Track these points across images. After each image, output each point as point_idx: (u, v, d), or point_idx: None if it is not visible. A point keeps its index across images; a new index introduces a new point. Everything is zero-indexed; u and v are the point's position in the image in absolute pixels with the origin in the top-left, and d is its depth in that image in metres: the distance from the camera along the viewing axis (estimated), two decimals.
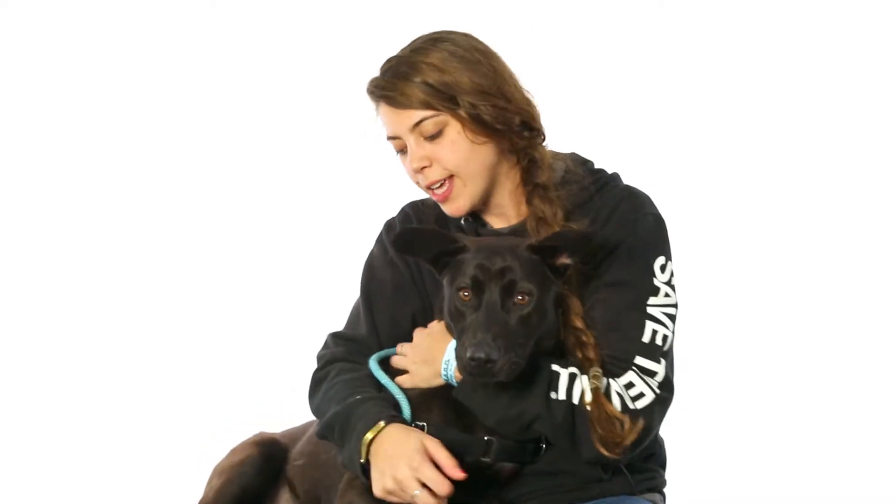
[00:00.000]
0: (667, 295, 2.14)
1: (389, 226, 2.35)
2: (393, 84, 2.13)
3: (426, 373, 2.15)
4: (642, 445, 2.09)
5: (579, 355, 2.08)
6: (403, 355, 2.21)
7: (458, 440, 2.08)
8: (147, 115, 4.36)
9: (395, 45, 2.21)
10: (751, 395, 3.97)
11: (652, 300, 2.13)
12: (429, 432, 2.08)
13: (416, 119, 2.12)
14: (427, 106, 2.11)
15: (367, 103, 2.22)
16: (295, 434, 2.48)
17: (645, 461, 2.24)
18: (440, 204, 2.22)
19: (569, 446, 2.08)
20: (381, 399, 2.13)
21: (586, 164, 2.27)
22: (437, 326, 2.17)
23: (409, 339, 2.22)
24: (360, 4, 4.29)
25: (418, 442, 2.01)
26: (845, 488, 3.71)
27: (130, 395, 4.12)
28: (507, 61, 2.20)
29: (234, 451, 2.46)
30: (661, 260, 2.16)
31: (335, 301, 2.62)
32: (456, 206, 2.20)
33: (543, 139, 2.21)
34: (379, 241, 2.34)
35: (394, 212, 2.38)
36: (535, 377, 2.05)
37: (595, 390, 2.03)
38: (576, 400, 2.05)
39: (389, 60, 2.17)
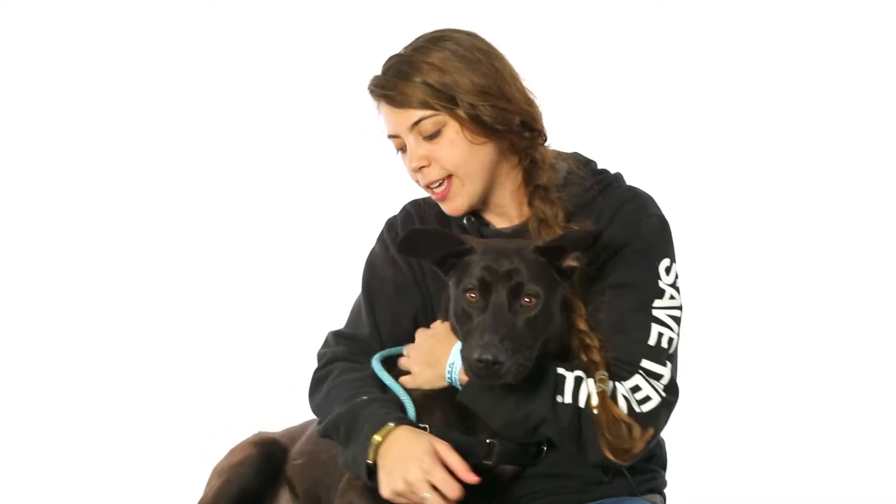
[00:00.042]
0: (672, 297, 2.14)
1: (391, 224, 2.34)
2: (393, 83, 2.13)
3: (429, 375, 2.14)
4: (648, 449, 2.09)
5: (584, 358, 2.08)
6: (407, 356, 2.20)
7: (460, 442, 2.07)
8: (147, 115, 4.36)
9: (394, 45, 2.21)
10: (751, 395, 3.97)
11: (657, 302, 2.12)
12: (431, 434, 2.08)
13: (415, 118, 2.13)
14: (426, 106, 2.11)
15: (368, 102, 2.22)
16: (294, 433, 2.48)
17: (645, 462, 2.24)
18: (439, 203, 2.22)
19: (574, 450, 2.07)
20: (388, 400, 2.13)
21: (589, 164, 2.26)
22: (440, 328, 2.16)
23: (411, 338, 2.21)
24: (360, 4, 4.29)
25: (429, 444, 2.01)
26: (845, 489, 3.71)
27: (130, 395, 4.12)
28: (510, 61, 2.19)
29: (233, 451, 2.46)
30: (665, 262, 2.15)
31: (335, 300, 2.62)
32: (454, 206, 2.20)
33: (545, 140, 2.20)
34: (380, 239, 2.34)
35: (394, 210, 2.37)
36: (540, 380, 2.04)
37: (601, 394, 2.03)
38: (582, 403, 2.04)
39: (391, 59, 2.18)
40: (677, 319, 2.14)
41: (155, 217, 4.33)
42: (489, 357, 1.93)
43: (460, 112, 2.10)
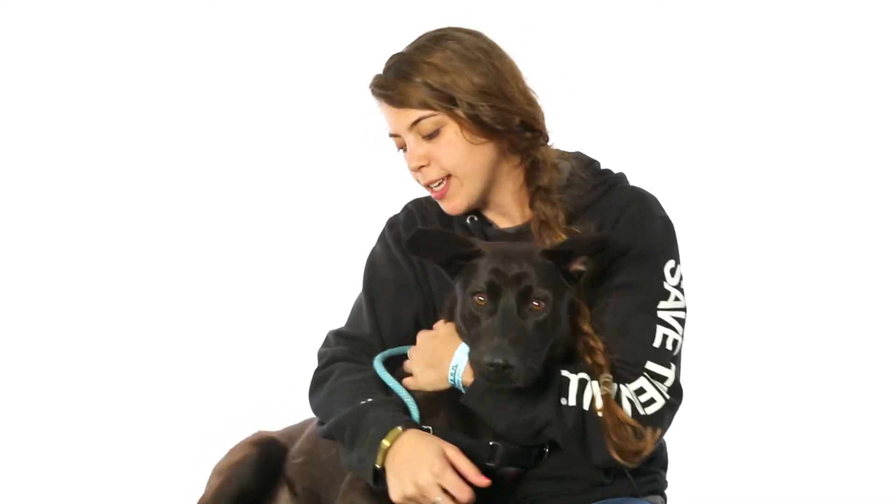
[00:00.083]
0: (676, 299, 2.13)
1: (392, 223, 2.33)
2: (393, 83, 2.13)
3: (432, 377, 2.13)
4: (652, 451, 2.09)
5: (589, 361, 2.08)
6: (409, 358, 2.19)
7: (463, 445, 2.07)
8: (147, 115, 4.36)
9: (394, 45, 2.21)
10: (751, 396, 3.96)
11: (662, 304, 2.12)
12: (439, 437, 2.07)
13: (414, 118, 2.13)
14: (425, 106, 2.11)
15: (368, 102, 2.23)
16: (294, 432, 2.48)
17: (647, 463, 2.22)
18: (438, 201, 2.22)
19: (578, 452, 2.07)
20: (393, 403, 2.12)
21: (592, 164, 2.26)
22: (442, 329, 2.15)
23: (412, 338, 2.20)
24: (360, 4, 4.29)
25: (438, 448, 2.01)
26: (845, 489, 3.71)
27: (130, 395, 4.12)
28: (513, 60, 2.18)
29: (232, 451, 2.46)
30: (670, 263, 2.15)
31: (335, 299, 2.62)
32: (453, 205, 2.20)
33: (546, 140, 2.20)
34: (381, 238, 2.33)
35: (395, 209, 2.37)
36: (545, 383, 2.04)
37: (605, 397, 2.03)
38: (586, 406, 2.04)
39: (392, 58, 2.18)
40: (682, 321, 2.13)
41: (155, 217, 4.33)
42: (500, 361, 1.93)
43: (459, 112, 2.10)
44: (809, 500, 3.67)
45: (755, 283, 4.14)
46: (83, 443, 4.01)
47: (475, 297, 2.02)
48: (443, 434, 2.08)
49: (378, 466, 2.04)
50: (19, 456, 3.98)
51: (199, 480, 2.48)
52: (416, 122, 2.13)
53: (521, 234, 2.20)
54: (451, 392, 2.12)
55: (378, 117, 2.24)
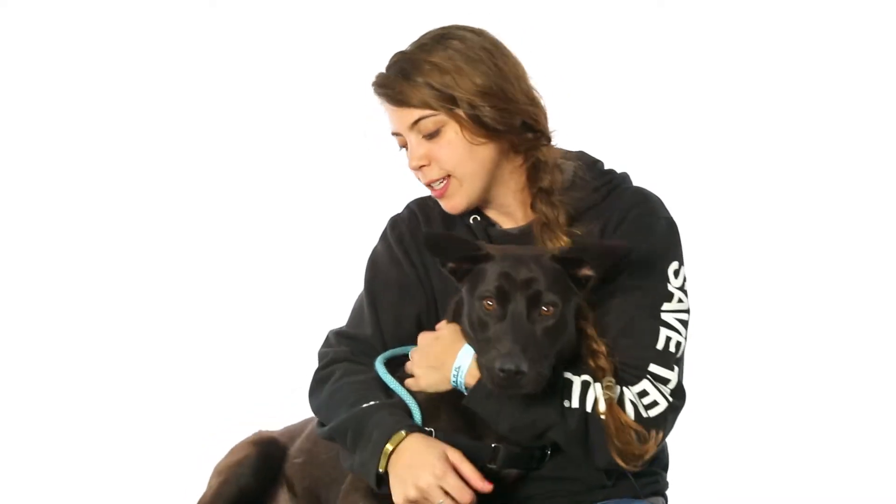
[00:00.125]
0: (680, 301, 2.13)
1: (394, 223, 2.32)
2: (394, 82, 2.13)
3: (434, 378, 2.12)
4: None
5: (592, 364, 2.07)
6: (410, 359, 2.18)
7: (465, 446, 2.07)
8: (147, 115, 4.36)
9: (393, 45, 2.20)
10: (752, 397, 3.96)
11: (666, 306, 2.11)
12: (436, 438, 2.07)
13: (415, 117, 2.12)
14: (426, 105, 2.11)
15: (368, 102, 2.22)
16: (294, 432, 2.48)
17: (648, 464, 2.23)
18: (438, 200, 2.21)
19: (581, 454, 2.07)
20: (395, 406, 2.12)
21: (596, 164, 2.25)
22: (445, 331, 2.14)
23: (414, 338, 2.20)
24: (360, 4, 4.29)
25: (441, 451, 2.01)
26: (846, 490, 3.71)
27: (130, 395, 4.12)
28: (518, 59, 2.18)
29: (232, 451, 2.46)
30: (674, 265, 2.14)
31: (335, 299, 2.62)
32: (452, 204, 2.19)
33: (548, 141, 2.19)
34: (383, 237, 2.32)
35: (394, 208, 2.36)
36: (547, 385, 2.02)
37: (609, 401, 2.02)
38: (589, 408, 2.04)
39: (394, 56, 2.17)
40: (685, 323, 2.13)
41: (155, 217, 4.33)
42: (512, 367, 1.92)
43: (460, 112, 2.09)
44: (810, 500, 3.66)
45: (754, 283, 4.14)
46: (83, 443, 4.01)
47: (484, 302, 2.01)
48: (445, 436, 2.08)
49: (381, 470, 2.04)
50: (19, 456, 3.98)
51: (199, 480, 2.48)
52: (416, 122, 2.12)
53: (524, 234, 2.19)
54: (453, 394, 2.11)
55: (378, 117, 2.24)
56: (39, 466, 3.93)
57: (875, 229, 4.15)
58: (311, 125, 4.28)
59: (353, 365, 2.22)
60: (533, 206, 2.17)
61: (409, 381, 2.16)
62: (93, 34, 4.34)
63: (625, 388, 2.06)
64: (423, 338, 2.17)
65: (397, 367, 2.21)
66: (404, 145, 2.19)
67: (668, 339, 2.10)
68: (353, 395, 2.14)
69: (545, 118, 2.19)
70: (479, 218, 2.24)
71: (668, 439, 2.28)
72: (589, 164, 2.23)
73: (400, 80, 2.12)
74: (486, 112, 2.09)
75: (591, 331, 2.08)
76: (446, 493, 1.99)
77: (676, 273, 2.14)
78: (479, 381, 2.04)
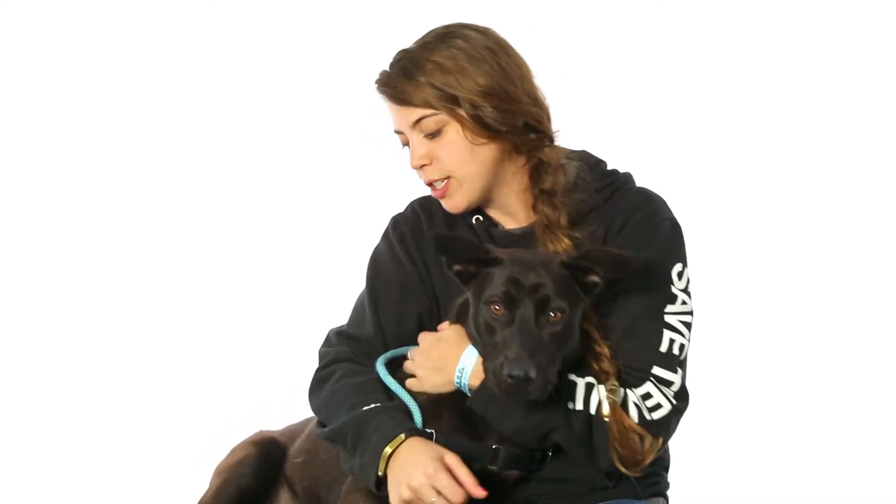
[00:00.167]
0: (683, 303, 2.12)
1: (396, 222, 2.31)
2: (396, 81, 2.12)
3: (437, 380, 2.12)
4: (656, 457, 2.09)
5: (595, 367, 2.07)
6: (412, 360, 2.17)
7: (465, 447, 2.07)
8: (147, 115, 4.35)
9: (392, 45, 2.20)
10: (753, 398, 3.96)
11: (669, 308, 2.11)
12: (437, 440, 2.07)
13: (417, 117, 2.12)
14: (428, 105, 2.10)
15: (368, 102, 2.22)
16: (294, 431, 2.47)
17: (648, 468, 2.23)
18: (439, 199, 2.21)
19: (584, 456, 2.07)
20: (396, 409, 2.11)
21: (599, 165, 2.23)
22: (448, 332, 2.14)
23: (415, 338, 2.20)
24: (360, 4, 4.29)
25: (436, 453, 2.01)
26: (846, 491, 3.71)
27: (130, 395, 4.12)
28: (523, 59, 2.17)
29: (233, 451, 2.46)
30: (678, 267, 2.13)
31: (335, 300, 2.62)
32: (452, 203, 2.19)
33: (551, 142, 2.18)
34: (385, 236, 2.31)
35: (393, 208, 2.35)
36: (556, 384, 2.01)
37: (612, 404, 2.02)
38: (593, 410, 2.04)
39: (398, 54, 2.17)
40: (688, 325, 2.12)
41: (155, 217, 4.32)
42: (520, 374, 1.91)
43: (462, 112, 2.09)
44: (810, 500, 3.66)
45: (755, 283, 4.14)
46: (84, 443, 4.00)
47: (491, 306, 2.00)
48: (445, 437, 2.08)
49: (380, 474, 2.04)
50: (19, 456, 3.97)
51: (200, 480, 2.48)
52: (418, 121, 2.12)
53: (526, 235, 2.18)
54: (454, 395, 2.11)
55: (378, 117, 2.23)
56: (40, 466, 3.93)
57: (880, 230, 4.15)
58: (311, 125, 4.28)
59: (353, 365, 2.22)
60: (535, 208, 2.16)
61: (411, 382, 2.15)
62: (93, 34, 4.34)
63: (628, 391, 2.06)
64: (426, 339, 2.17)
65: (398, 367, 2.21)
66: (406, 144, 2.18)
67: (672, 341, 2.09)
68: (353, 397, 2.14)
69: (548, 119, 2.18)
70: (481, 218, 2.23)
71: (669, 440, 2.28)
72: (592, 165, 2.22)
73: (402, 79, 2.11)
74: (488, 112, 2.09)
75: (594, 333, 2.08)
76: (439, 492, 1.98)
77: (680, 275, 2.13)
78: (483, 383, 2.03)
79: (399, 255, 2.26)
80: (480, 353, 2.04)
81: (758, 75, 4.21)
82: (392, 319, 2.24)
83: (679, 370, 2.09)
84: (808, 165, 4.19)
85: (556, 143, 2.20)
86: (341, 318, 2.34)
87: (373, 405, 2.11)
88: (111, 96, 4.35)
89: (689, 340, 2.12)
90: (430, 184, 2.18)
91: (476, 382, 2.06)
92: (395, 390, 2.15)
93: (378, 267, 2.29)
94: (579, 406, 2.03)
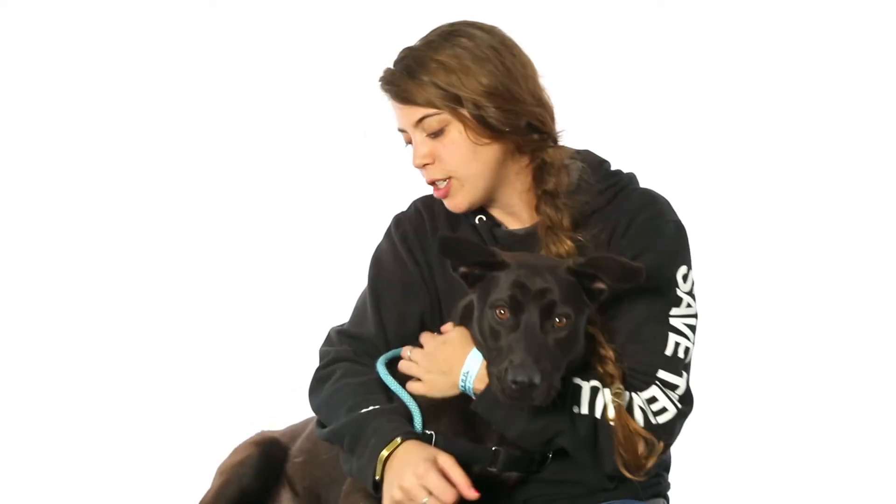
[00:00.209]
0: (688, 305, 2.12)
1: (399, 220, 2.30)
2: (400, 79, 2.12)
3: (442, 383, 2.11)
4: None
5: (600, 370, 2.06)
6: (411, 359, 2.17)
7: (465, 449, 2.07)
8: (147, 115, 4.35)
9: (391, 45, 2.20)
10: (754, 399, 3.95)
11: (674, 311, 2.10)
12: (437, 441, 2.07)
13: (419, 116, 2.11)
14: (430, 104, 2.09)
15: (368, 101, 2.22)
16: (296, 431, 2.47)
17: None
18: (441, 199, 2.20)
19: (589, 460, 2.06)
20: (394, 411, 2.11)
21: (602, 165, 2.23)
22: (452, 335, 2.13)
23: (417, 338, 2.19)
24: (360, 4, 4.29)
25: (429, 454, 2.00)
26: (847, 491, 3.71)
27: (131, 395, 4.12)
28: (528, 59, 2.16)
29: (235, 451, 2.46)
30: (683, 269, 2.13)
31: (335, 300, 2.62)
32: (454, 203, 2.18)
33: (555, 142, 2.17)
34: (388, 235, 2.30)
35: (393, 208, 2.35)
36: (560, 390, 2.01)
37: (618, 408, 2.02)
38: (598, 414, 2.03)
39: (402, 52, 2.16)
40: (693, 328, 2.12)
41: (155, 217, 4.32)
42: (525, 380, 1.89)
43: (464, 112, 2.08)
44: (810, 501, 3.66)
45: (755, 283, 4.13)
46: (84, 443, 4.00)
47: (496, 310, 1.98)
48: (445, 438, 2.07)
49: (377, 478, 2.04)
50: (20, 456, 3.97)
51: (200, 480, 2.48)
52: (420, 120, 2.11)
53: (529, 235, 2.18)
54: (455, 396, 2.10)
55: (378, 117, 2.23)
56: (40, 466, 3.92)
57: (886, 232, 4.14)
58: (311, 125, 4.28)
59: (354, 365, 2.21)
60: (538, 209, 2.15)
61: (414, 387, 2.14)
62: (93, 34, 4.34)
63: (634, 395, 2.06)
64: (430, 342, 2.16)
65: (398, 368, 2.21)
66: (409, 142, 2.17)
67: (677, 344, 2.09)
68: (352, 398, 2.13)
69: (552, 119, 2.17)
70: (484, 218, 2.23)
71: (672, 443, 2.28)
72: (595, 165, 2.21)
73: (405, 78, 2.11)
74: (491, 113, 2.08)
75: (599, 336, 2.07)
76: (430, 493, 1.97)
77: (685, 277, 2.13)
78: (488, 387, 2.03)
79: (401, 254, 2.25)
80: (485, 357, 2.03)
81: (759, 75, 4.21)
82: (394, 318, 2.23)
83: (684, 374, 2.09)
84: (811, 165, 4.18)
85: (560, 142, 2.19)
86: (342, 317, 2.34)
87: (371, 407, 2.10)
88: (111, 96, 4.35)
89: (693, 343, 2.11)
90: (432, 183, 2.17)
91: (481, 386, 2.05)
92: (395, 390, 2.15)
93: (380, 266, 2.28)
94: (584, 410, 2.03)
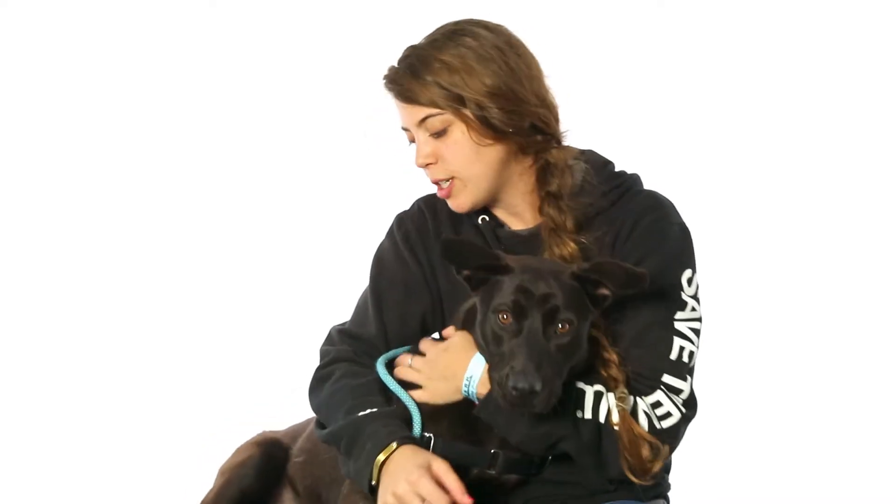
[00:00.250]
0: (693, 309, 2.11)
1: (401, 220, 2.29)
2: (403, 78, 2.11)
3: (445, 389, 2.10)
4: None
5: (604, 374, 2.06)
6: (411, 365, 2.16)
7: (464, 452, 2.06)
8: (147, 115, 4.35)
9: (391, 46, 2.19)
10: (754, 399, 3.96)
11: (679, 315, 2.09)
12: (436, 444, 2.06)
13: (422, 115, 2.10)
14: (433, 104, 2.08)
15: (368, 101, 2.21)
16: (297, 431, 2.47)
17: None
18: (444, 199, 2.19)
19: (593, 464, 2.06)
20: (391, 415, 2.10)
21: (606, 166, 2.22)
22: (456, 339, 2.12)
23: (418, 338, 2.19)
24: (360, 4, 4.29)
25: (423, 460, 1.99)
26: (846, 491, 3.71)
27: (131, 395, 4.12)
28: (534, 59, 2.15)
29: (236, 452, 2.45)
30: (688, 273, 2.12)
31: (336, 299, 2.62)
32: (457, 203, 2.17)
33: (558, 143, 2.16)
34: (390, 234, 2.29)
35: (392, 207, 2.34)
36: (561, 396, 2.00)
37: (622, 412, 2.01)
38: (602, 418, 2.03)
39: (406, 50, 2.15)
40: (697, 332, 2.11)
41: (155, 217, 4.32)
42: (526, 386, 1.88)
43: (467, 113, 2.07)
44: (810, 501, 3.66)
45: (755, 283, 4.13)
46: (85, 443, 4.00)
47: (499, 315, 1.97)
48: (444, 441, 2.07)
49: (373, 483, 2.03)
50: (20, 456, 3.97)
51: (201, 480, 2.48)
52: (423, 120, 2.10)
53: (532, 236, 2.17)
54: (457, 401, 2.09)
55: (378, 117, 2.23)
56: (40, 466, 3.92)
57: (889, 234, 4.14)
58: (311, 125, 4.28)
59: (354, 366, 2.21)
60: (541, 210, 2.15)
61: (417, 394, 2.12)
62: (93, 34, 4.34)
63: (638, 399, 2.05)
64: (431, 349, 2.14)
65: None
66: (413, 141, 2.16)
67: (682, 348, 2.08)
68: (351, 399, 2.13)
69: (556, 120, 2.15)
70: (487, 218, 2.22)
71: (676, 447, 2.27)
72: (599, 167, 2.20)
73: (409, 77, 2.10)
74: (494, 113, 2.07)
75: (603, 339, 2.06)
76: (424, 499, 1.97)
77: (690, 281, 2.11)
78: (491, 392, 2.02)
79: (403, 253, 2.24)
80: (487, 362, 2.02)
81: (759, 75, 4.21)
82: (395, 318, 2.22)
83: (688, 378, 2.08)
84: (814, 166, 4.18)
85: (564, 143, 2.18)
86: (343, 317, 2.33)
87: (369, 410, 2.09)
88: (111, 96, 4.35)
89: (697, 347, 2.10)
90: (435, 182, 2.17)
91: (484, 390, 2.04)
92: (395, 391, 2.14)
93: (382, 265, 2.27)
94: (588, 415, 2.02)
